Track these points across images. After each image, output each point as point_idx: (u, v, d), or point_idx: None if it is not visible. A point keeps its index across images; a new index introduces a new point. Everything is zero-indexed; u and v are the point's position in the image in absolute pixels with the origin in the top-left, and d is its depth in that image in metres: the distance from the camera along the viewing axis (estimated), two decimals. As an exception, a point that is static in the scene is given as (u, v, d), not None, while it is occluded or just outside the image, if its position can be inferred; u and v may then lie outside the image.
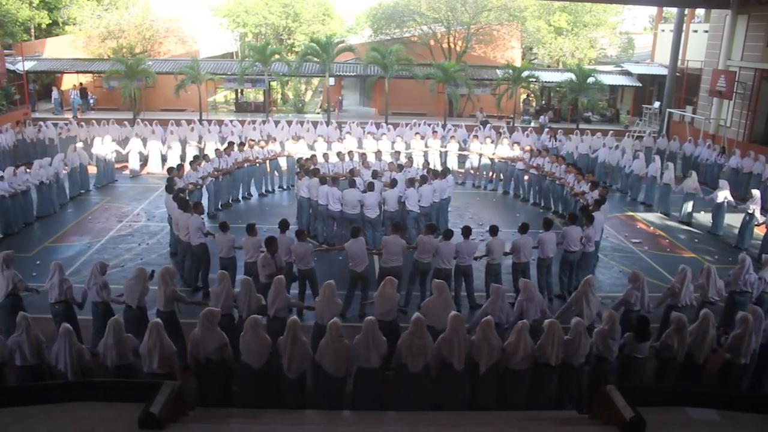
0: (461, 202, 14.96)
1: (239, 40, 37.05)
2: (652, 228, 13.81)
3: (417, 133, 17.35)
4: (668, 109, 24.57)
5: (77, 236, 12.12)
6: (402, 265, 8.72)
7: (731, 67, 21.98)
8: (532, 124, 25.23)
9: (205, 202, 12.55)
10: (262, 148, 15.22)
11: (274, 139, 16.26)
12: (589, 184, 12.09)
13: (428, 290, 7.24)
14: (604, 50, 34.73)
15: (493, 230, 9.17)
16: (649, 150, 18.81)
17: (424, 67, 25.70)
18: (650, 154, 18.15)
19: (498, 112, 25.80)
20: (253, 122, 19.31)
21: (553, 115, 28.05)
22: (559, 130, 20.19)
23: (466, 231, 8.91)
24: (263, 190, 15.48)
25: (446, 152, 17.26)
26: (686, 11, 25.69)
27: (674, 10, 26.92)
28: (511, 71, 25.05)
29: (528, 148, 15.46)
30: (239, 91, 29.40)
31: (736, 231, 12.73)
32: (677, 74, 25.51)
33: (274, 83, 27.56)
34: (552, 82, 27.12)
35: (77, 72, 27.29)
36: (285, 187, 16.03)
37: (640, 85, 28.46)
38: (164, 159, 17.61)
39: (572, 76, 25.36)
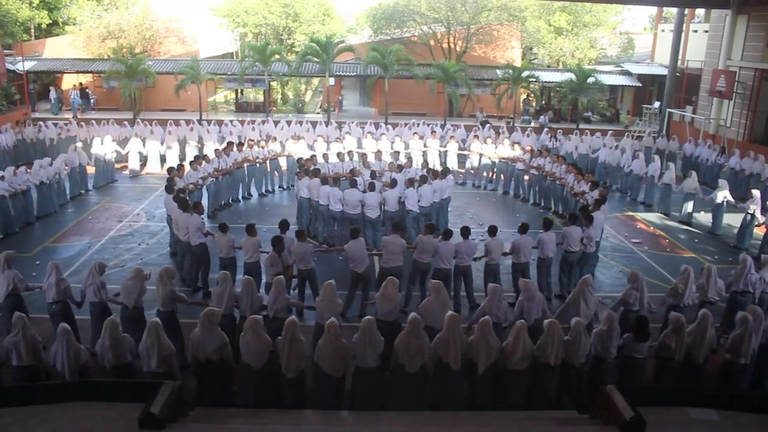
0: (461, 202, 14.96)
1: (239, 40, 37.06)
2: (652, 228, 13.81)
3: (415, 133, 17.35)
4: (668, 109, 24.58)
5: (77, 236, 12.12)
6: (402, 265, 8.72)
7: (731, 67, 21.98)
8: (532, 124, 25.24)
9: (204, 202, 12.55)
10: (263, 148, 15.23)
11: (275, 139, 16.27)
12: (589, 184, 12.10)
13: (428, 290, 7.24)
14: (604, 50, 34.74)
15: (492, 230, 9.17)
16: (649, 150, 18.81)
17: (424, 67, 25.71)
18: (650, 154, 18.15)
19: (498, 112, 25.80)
20: (253, 122, 19.30)
21: (553, 115, 28.05)
22: (559, 130, 20.19)
23: (465, 231, 8.91)
24: (263, 190, 15.48)
25: (446, 152, 17.27)
26: (686, 11, 25.70)
27: (674, 10, 26.93)
28: (511, 71, 25.06)
29: (529, 148, 15.46)
30: (239, 91, 29.39)
31: (736, 231, 12.74)
32: (677, 74, 25.52)
33: (274, 83, 27.56)
34: (552, 82, 27.12)
35: (77, 72, 27.29)
36: (285, 187, 16.03)
37: (640, 85, 28.46)
38: (163, 159, 17.62)
39: (572, 76, 25.36)
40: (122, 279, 7.60)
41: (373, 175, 12.44)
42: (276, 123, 19.59)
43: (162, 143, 17.82)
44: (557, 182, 13.80)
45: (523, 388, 6.21)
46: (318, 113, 29.13)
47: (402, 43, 26.75)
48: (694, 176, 14.07)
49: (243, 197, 14.93)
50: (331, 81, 26.73)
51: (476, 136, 17.32)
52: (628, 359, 6.47)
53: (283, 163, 16.08)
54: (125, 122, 19.69)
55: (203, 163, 13.17)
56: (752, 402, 5.31)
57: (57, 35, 33.02)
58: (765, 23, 20.74)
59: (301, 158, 14.00)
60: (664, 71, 26.14)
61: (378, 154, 14.77)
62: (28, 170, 12.83)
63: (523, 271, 9.15)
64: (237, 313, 7.33)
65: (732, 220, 13.34)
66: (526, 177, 15.40)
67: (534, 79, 25.70)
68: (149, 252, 11.30)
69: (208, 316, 6.05)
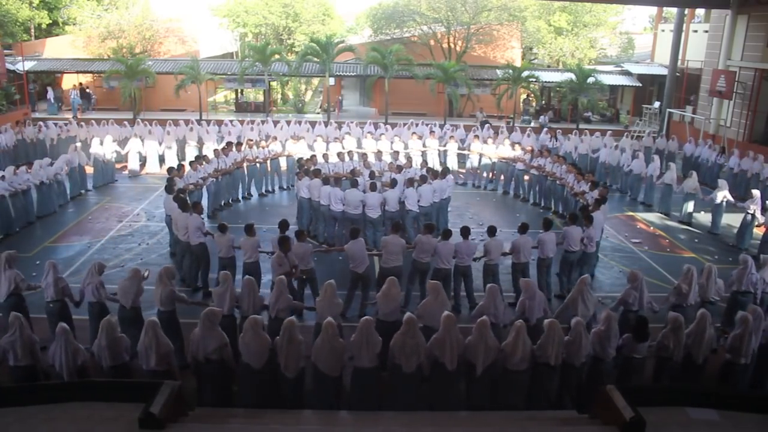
0: (461, 202, 14.96)
1: (239, 40, 37.06)
2: (652, 228, 13.81)
3: (414, 133, 17.36)
4: (668, 109, 24.58)
5: (77, 236, 12.12)
6: (402, 265, 8.72)
7: (731, 67, 21.98)
8: (532, 124, 25.23)
9: (204, 202, 12.55)
10: (263, 148, 15.23)
11: (275, 138, 16.26)
12: (589, 184, 12.10)
13: (427, 291, 7.25)
14: (604, 50, 34.74)
15: (491, 231, 9.17)
16: (649, 150, 18.81)
17: (424, 67, 25.71)
18: (649, 154, 18.15)
19: (498, 112, 25.81)
20: (252, 122, 19.30)
21: (553, 115, 28.05)
22: (558, 130, 20.19)
23: (465, 231, 8.91)
24: (263, 190, 15.48)
25: (445, 152, 17.27)
26: (686, 11, 25.70)
27: (674, 10, 26.93)
28: (511, 71, 25.06)
29: (530, 148, 15.45)
30: (239, 91, 29.39)
31: (736, 231, 12.73)
32: (677, 74, 25.52)
33: (274, 83, 27.56)
34: (552, 82, 27.12)
35: (77, 72, 27.30)
36: (285, 187, 16.03)
37: (640, 85, 28.46)
38: (162, 159, 17.61)
39: (572, 76, 25.36)
40: (120, 279, 7.60)
41: (372, 175, 12.43)
42: (276, 123, 19.59)
43: (160, 144, 17.81)
44: (557, 182, 13.80)
45: (523, 388, 6.20)
46: (318, 113, 29.13)
47: (402, 43, 26.76)
48: (694, 176, 14.06)
49: (243, 197, 14.92)
50: (331, 81, 26.73)
51: (476, 136, 17.32)
52: (628, 359, 6.46)
53: (283, 163, 16.08)
54: (125, 122, 19.68)
55: (203, 163, 13.17)
56: (752, 402, 5.31)
57: (57, 35, 33.02)
58: (765, 23, 20.74)
59: (301, 158, 14.00)
60: (664, 71, 26.14)
61: (378, 154, 14.77)
62: (29, 170, 12.84)
63: (523, 271, 9.15)
64: (237, 313, 7.34)
65: (732, 220, 13.34)
66: (526, 177, 15.40)
67: (534, 79, 25.70)
68: (149, 252, 11.30)
69: (208, 316, 6.05)
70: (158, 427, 4.57)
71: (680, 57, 25.59)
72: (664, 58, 27.14)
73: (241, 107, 29.26)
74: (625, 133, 22.57)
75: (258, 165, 15.05)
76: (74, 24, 32.26)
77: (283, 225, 8.89)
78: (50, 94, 26.07)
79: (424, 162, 14.82)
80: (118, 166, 16.97)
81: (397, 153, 14.86)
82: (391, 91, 25.59)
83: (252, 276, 7.58)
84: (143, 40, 29.89)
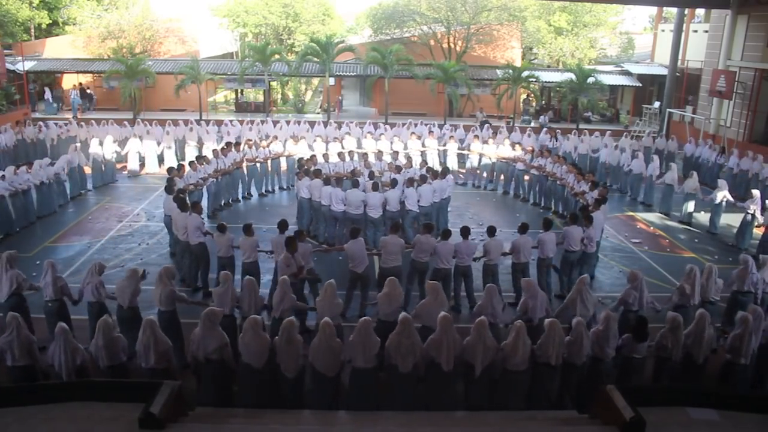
0: (461, 202, 14.96)
1: (239, 40, 37.07)
2: (652, 228, 13.80)
3: (413, 133, 17.35)
4: (668, 109, 24.58)
5: (77, 236, 12.12)
6: (401, 265, 8.72)
7: (731, 67, 21.98)
8: (532, 124, 25.24)
9: (204, 202, 12.55)
10: (263, 148, 15.22)
11: (275, 138, 16.25)
12: (589, 184, 12.09)
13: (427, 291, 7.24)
14: (604, 50, 34.75)
15: (491, 231, 9.17)
16: (648, 150, 18.81)
17: (424, 67, 25.71)
18: (649, 154, 18.15)
19: (498, 112, 25.81)
20: (252, 122, 19.29)
21: (553, 115, 28.05)
22: (558, 131, 20.19)
23: (465, 231, 8.90)
24: (263, 190, 15.48)
25: (445, 152, 17.26)
26: (686, 11, 25.70)
27: (674, 10, 26.93)
28: (511, 71, 25.06)
29: (530, 148, 15.45)
30: (239, 91, 29.40)
31: (736, 231, 12.73)
32: (677, 74, 25.51)
33: (274, 83, 27.57)
34: (552, 82, 27.12)
35: (77, 72, 27.29)
36: (285, 187, 16.03)
37: (640, 85, 28.46)
38: (161, 159, 17.61)
39: (572, 76, 25.36)
40: (119, 279, 7.60)
41: (371, 175, 12.42)
42: (275, 123, 19.59)
43: (158, 144, 17.80)
44: (558, 182, 13.80)
45: (523, 389, 6.19)
46: (318, 113, 29.13)
47: (402, 43, 26.76)
48: (694, 176, 14.06)
49: (243, 197, 14.93)
50: (331, 81, 26.73)
51: (476, 136, 17.32)
52: (628, 359, 6.46)
53: (283, 163, 16.08)
54: (125, 122, 19.68)
55: (203, 163, 13.17)
56: (752, 402, 5.31)
57: (57, 35, 33.03)
58: (765, 23, 20.74)
59: (301, 158, 14.00)
60: (664, 71, 26.14)
61: (379, 154, 14.76)
62: (29, 170, 12.84)
63: (523, 271, 9.14)
64: (237, 314, 7.34)
65: (732, 220, 13.34)
66: (526, 177, 15.40)
67: (534, 79, 25.71)
68: (149, 252, 11.30)
69: (209, 316, 6.05)
70: (158, 427, 4.57)
71: (680, 57, 25.60)
72: (664, 58, 27.15)
73: (241, 107, 29.26)
74: (625, 133, 22.56)
75: (258, 165, 15.05)
76: (74, 24, 32.27)
77: (282, 225, 8.88)
78: (48, 95, 26.07)
79: (424, 162, 14.82)
80: (118, 166, 16.96)
81: (396, 153, 14.86)
82: (391, 91, 25.59)
83: (252, 276, 7.58)
84: (143, 40, 29.90)
